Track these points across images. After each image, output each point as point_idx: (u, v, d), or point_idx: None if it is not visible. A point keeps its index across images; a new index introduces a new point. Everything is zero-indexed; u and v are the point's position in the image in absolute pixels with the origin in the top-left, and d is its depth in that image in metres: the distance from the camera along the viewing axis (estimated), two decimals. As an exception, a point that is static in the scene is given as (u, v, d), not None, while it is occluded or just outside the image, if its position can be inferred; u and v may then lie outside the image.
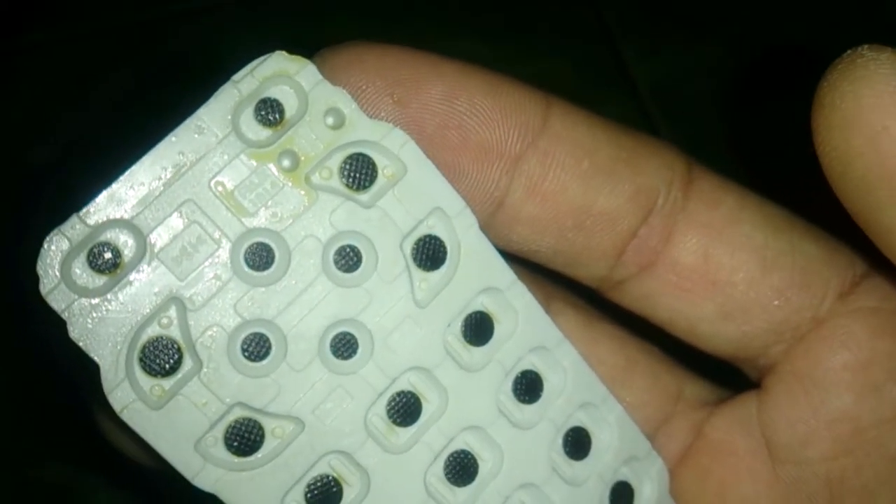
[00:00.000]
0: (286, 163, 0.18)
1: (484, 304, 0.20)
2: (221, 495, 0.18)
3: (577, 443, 0.21)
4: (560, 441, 0.21)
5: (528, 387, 0.21)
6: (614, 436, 0.21)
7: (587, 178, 0.21)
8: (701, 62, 0.49)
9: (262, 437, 0.18)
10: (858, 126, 0.16)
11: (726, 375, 0.24)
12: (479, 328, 0.20)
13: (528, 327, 0.20)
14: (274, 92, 0.18)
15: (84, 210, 0.17)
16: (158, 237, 0.18)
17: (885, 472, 0.21)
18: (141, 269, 0.18)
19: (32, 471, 0.41)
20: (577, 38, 0.50)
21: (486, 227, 0.21)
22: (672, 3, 0.52)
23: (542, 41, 0.50)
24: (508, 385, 0.20)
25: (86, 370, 0.18)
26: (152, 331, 0.18)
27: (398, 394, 0.19)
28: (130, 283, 0.17)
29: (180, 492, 0.19)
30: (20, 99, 0.48)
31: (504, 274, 0.20)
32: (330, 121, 0.18)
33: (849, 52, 0.16)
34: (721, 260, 0.21)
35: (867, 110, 0.16)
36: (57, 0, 0.49)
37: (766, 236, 0.21)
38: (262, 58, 0.18)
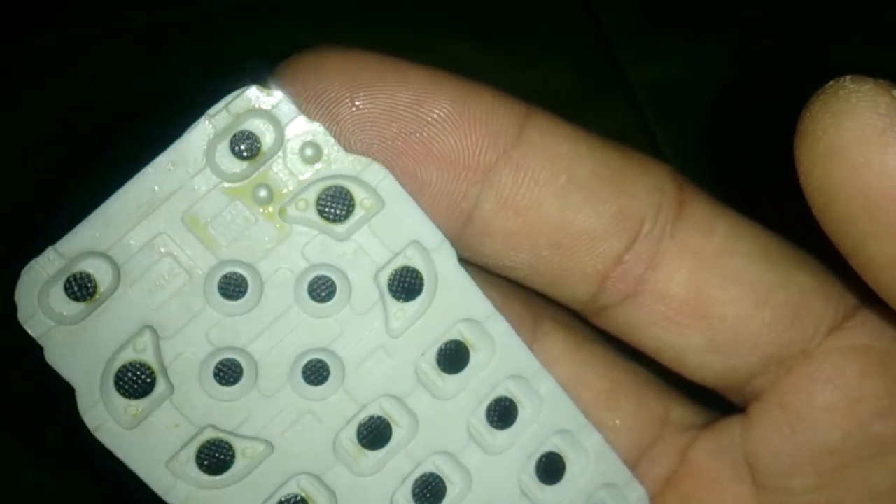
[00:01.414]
0: (261, 195, 0.18)
1: (461, 332, 0.20)
2: None
3: (550, 468, 0.21)
4: (532, 466, 0.21)
5: (502, 413, 0.21)
6: (590, 462, 0.22)
7: (564, 194, 0.20)
8: (699, 67, 0.49)
9: (233, 456, 0.19)
10: (840, 158, 0.16)
11: (712, 396, 0.24)
12: (454, 356, 0.20)
13: (506, 356, 0.21)
14: (250, 125, 0.18)
15: (59, 243, 0.18)
16: (133, 268, 0.18)
17: None
18: (115, 298, 0.18)
19: (32, 482, 0.43)
20: (574, 44, 0.50)
21: (458, 241, 0.20)
22: (670, 8, 0.51)
23: (540, 47, 0.49)
24: (482, 411, 0.21)
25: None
26: (127, 355, 0.18)
27: (369, 419, 0.20)
28: (105, 311, 0.18)
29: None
30: (22, 101, 0.48)
31: (482, 305, 0.20)
32: (307, 153, 0.18)
33: (831, 82, 0.16)
34: (712, 292, 0.21)
35: (849, 142, 0.15)
36: (59, 3, 0.50)
37: (760, 269, 0.21)
38: (236, 92, 0.18)
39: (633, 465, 0.23)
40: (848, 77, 0.16)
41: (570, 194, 0.20)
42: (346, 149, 0.19)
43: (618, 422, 0.23)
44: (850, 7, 0.48)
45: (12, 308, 0.18)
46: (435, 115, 0.19)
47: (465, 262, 0.20)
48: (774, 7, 0.50)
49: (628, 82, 0.49)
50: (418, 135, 0.19)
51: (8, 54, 0.49)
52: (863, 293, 0.22)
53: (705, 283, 0.21)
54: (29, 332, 0.18)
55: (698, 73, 0.48)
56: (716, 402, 0.24)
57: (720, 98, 0.47)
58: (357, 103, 0.19)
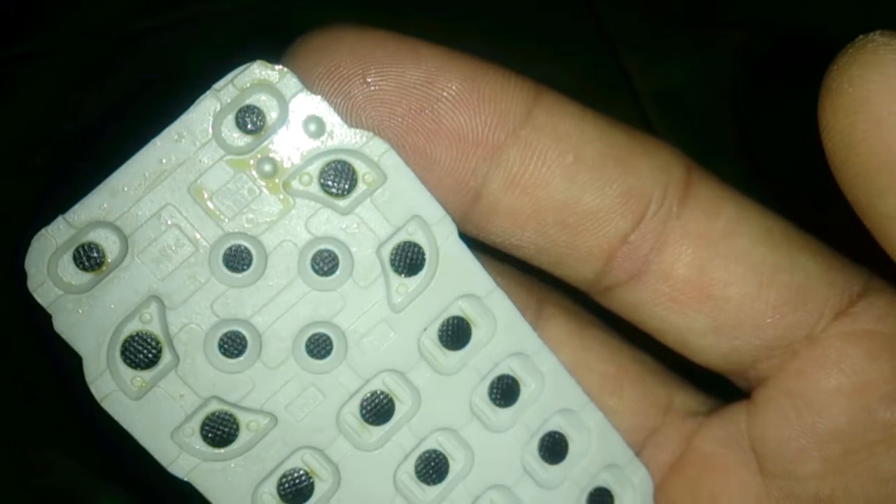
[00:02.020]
0: (266, 169, 0.19)
1: (462, 309, 0.20)
2: (196, 484, 0.19)
3: (553, 447, 0.21)
4: (535, 444, 0.21)
5: (504, 391, 0.21)
6: (593, 442, 0.22)
7: (572, 173, 0.20)
8: (703, 69, 0.49)
9: (237, 429, 0.19)
10: (864, 110, 0.16)
11: (717, 384, 0.24)
12: (455, 332, 0.20)
13: (507, 333, 0.21)
14: (255, 100, 0.19)
15: (69, 212, 0.18)
16: (140, 238, 0.18)
17: (873, 493, 0.21)
18: (123, 268, 0.18)
19: (37, 476, 0.43)
20: (578, 45, 0.50)
21: (466, 218, 0.21)
22: (673, 10, 0.51)
23: (544, 48, 0.49)
24: (484, 388, 0.21)
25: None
26: (134, 325, 0.19)
27: (372, 394, 0.20)
28: (113, 280, 0.18)
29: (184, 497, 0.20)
30: (13, 106, 0.50)
31: (483, 281, 0.20)
32: (311, 128, 0.19)
33: (860, 37, 0.16)
34: (716, 274, 0.21)
35: (874, 94, 0.15)
36: (44, 10, 0.51)
37: (765, 251, 0.21)
38: (242, 67, 0.18)
39: (638, 450, 0.23)
40: (878, 31, 0.16)
41: (578, 174, 0.20)
42: (349, 123, 0.19)
43: (616, 408, 0.23)
44: (854, 6, 0.48)
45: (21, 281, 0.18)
46: (445, 94, 0.19)
47: (470, 242, 0.21)
48: (780, 7, 0.50)
49: (632, 84, 0.49)
50: (428, 112, 0.19)
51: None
52: (868, 278, 0.22)
53: (710, 264, 0.21)
54: (38, 300, 0.18)
55: (702, 75, 0.49)
56: (719, 391, 0.24)
57: (724, 100, 0.48)
58: (369, 80, 0.19)
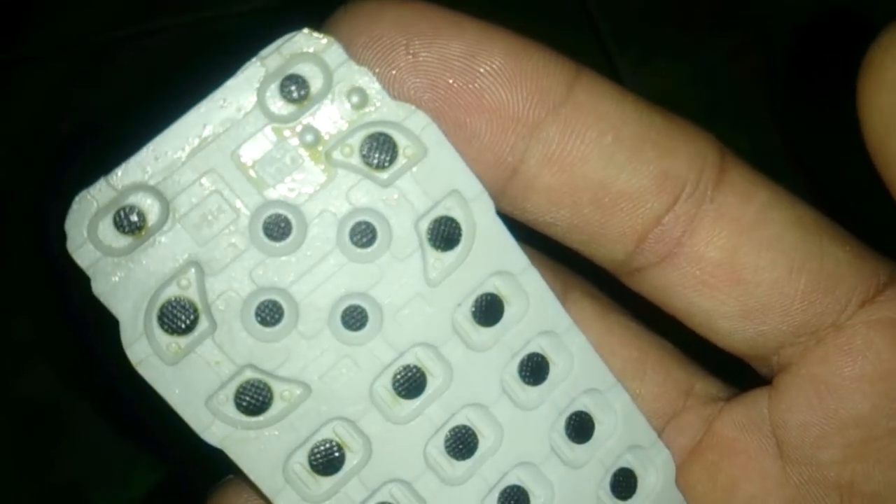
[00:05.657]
0: (308, 138, 0.19)
1: (496, 286, 0.20)
2: (228, 452, 0.19)
3: (580, 426, 0.21)
4: (562, 424, 0.21)
5: (534, 369, 0.21)
6: (618, 423, 0.22)
7: (609, 153, 0.20)
8: (695, 71, 0.49)
9: (271, 398, 0.19)
10: None
11: (736, 374, 0.24)
12: (488, 309, 0.20)
13: (539, 311, 0.21)
14: (300, 69, 0.19)
15: (111, 174, 0.18)
16: (181, 203, 0.18)
17: (895, 479, 0.21)
18: (163, 232, 0.18)
19: (38, 473, 0.43)
20: (571, 49, 0.51)
21: (501, 194, 0.21)
22: (667, 11, 0.52)
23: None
24: (514, 366, 0.21)
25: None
26: (172, 291, 0.19)
27: (405, 367, 0.20)
28: (153, 245, 0.18)
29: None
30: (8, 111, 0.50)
31: (518, 259, 0.21)
32: (354, 100, 0.19)
33: None
34: (748, 258, 0.21)
35: None
36: (32, 18, 0.51)
37: (796, 237, 0.21)
38: (288, 35, 0.18)
39: (658, 434, 0.23)
40: None
41: (616, 153, 0.20)
42: (391, 92, 0.19)
43: (638, 391, 0.23)
44: (846, 13, 0.49)
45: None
46: (487, 68, 0.20)
47: (503, 221, 0.21)
48: (773, 11, 0.50)
49: (622, 85, 0.49)
50: (470, 86, 0.20)
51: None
52: (894, 270, 0.22)
53: (742, 248, 0.21)
54: (77, 262, 0.18)
55: (693, 78, 0.49)
56: (739, 380, 0.24)
57: (717, 104, 0.48)
58: (412, 51, 0.19)
